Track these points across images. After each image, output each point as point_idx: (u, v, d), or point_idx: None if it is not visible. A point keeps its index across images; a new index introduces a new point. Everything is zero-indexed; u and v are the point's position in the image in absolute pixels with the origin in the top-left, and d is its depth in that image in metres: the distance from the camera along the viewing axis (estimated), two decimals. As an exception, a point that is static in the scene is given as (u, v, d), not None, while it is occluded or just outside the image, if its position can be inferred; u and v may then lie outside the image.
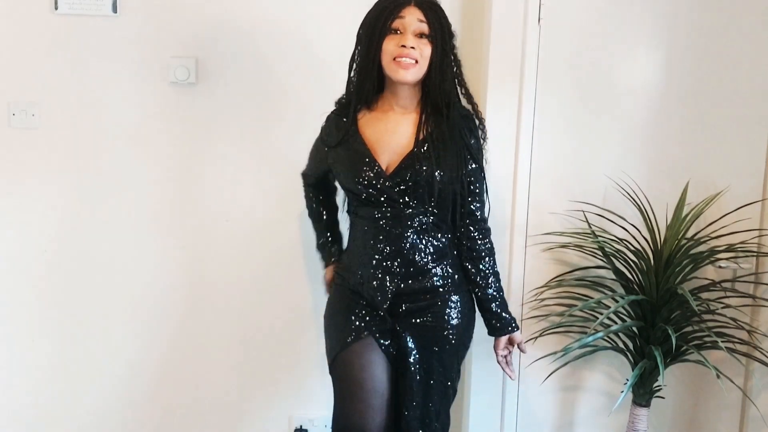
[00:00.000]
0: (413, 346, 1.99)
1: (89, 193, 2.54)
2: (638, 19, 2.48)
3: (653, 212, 2.41)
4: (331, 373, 2.04)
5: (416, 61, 1.90)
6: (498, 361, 2.15)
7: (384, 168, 1.95)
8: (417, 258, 1.97)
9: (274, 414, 2.70)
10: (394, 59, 1.89)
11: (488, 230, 2.08)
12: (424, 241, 1.97)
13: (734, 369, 2.46)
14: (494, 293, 2.07)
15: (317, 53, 2.50)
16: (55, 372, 2.62)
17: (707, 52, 2.48)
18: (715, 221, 2.40)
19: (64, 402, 2.64)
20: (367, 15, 1.96)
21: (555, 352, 2.38)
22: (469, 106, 2.05)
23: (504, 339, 2.12)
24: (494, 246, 2.10)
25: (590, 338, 2.32)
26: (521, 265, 2.55)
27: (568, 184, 2.53)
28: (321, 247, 2.30)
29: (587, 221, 2.46)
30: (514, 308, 2.35)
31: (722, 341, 2.23)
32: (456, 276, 2.03)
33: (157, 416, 2.68)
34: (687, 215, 2.36)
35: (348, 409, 1.97)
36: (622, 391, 2.29)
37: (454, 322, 2.01)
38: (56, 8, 2.43)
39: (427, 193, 1.94)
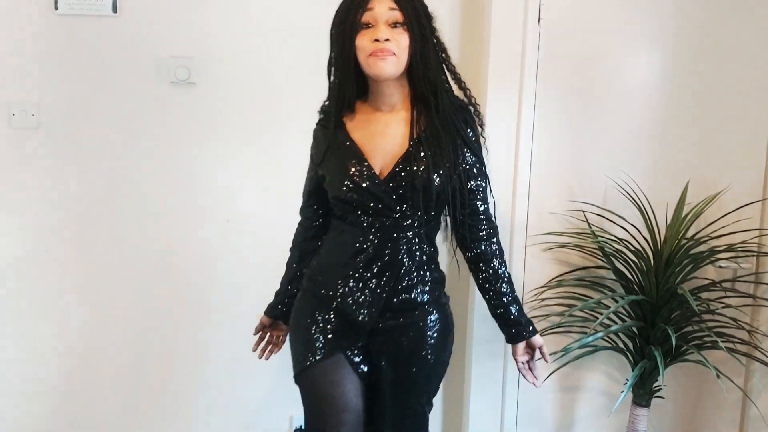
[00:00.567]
0: (387, 366, 1.85)
1: (89, 193, 2.54)
2: (638, 19, 2.48)
3: (653, 212, 2.41)
4: (297, 383, 1.90)
5: (394, 54, 1.73)
6: (518, 369, 1.99)
7: (377, 172, 1.79)
8: (403, 273, 1.81)
9: (275, 414, 2.70)
10: (370, 55, 1.74)
11: (496, 229, 1.92)
12: (414, 256, 1.81)
13: (734, 369, 2.46)
14: (509, 298, 1.93)
15: (317, 53, 2.48)
16: (56, 372, 2.63)
17: (707, 52, 2.48)
18: (715, 221, 2.41)
19: (64, 401, 2.64)
20: (336, 13, 1.81)
21: (555, 352, 2.36)
22: (463, 98, 1.90)
23: (522, 345, 1.95)
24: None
25: (590, 338, 2.32)
26: (521, 265, 2.55)
27: (568, 184, 2.53)
28: (277, 295, 2.08)
29: (587, 221, 2.46)
30: (515, 308, 2.35)
31: (722, 341, 2.23)
32: (437, 293, 1.88)
33: (157, 416, 2.68)
34: (687, 215, 2.36)
35: (321, 426, 1.83)
36: (622, 391, 2.29)
37: (432, 342, 1.86)
38: (56, 8, 2.43)
39: (424, 198, 1.77)
